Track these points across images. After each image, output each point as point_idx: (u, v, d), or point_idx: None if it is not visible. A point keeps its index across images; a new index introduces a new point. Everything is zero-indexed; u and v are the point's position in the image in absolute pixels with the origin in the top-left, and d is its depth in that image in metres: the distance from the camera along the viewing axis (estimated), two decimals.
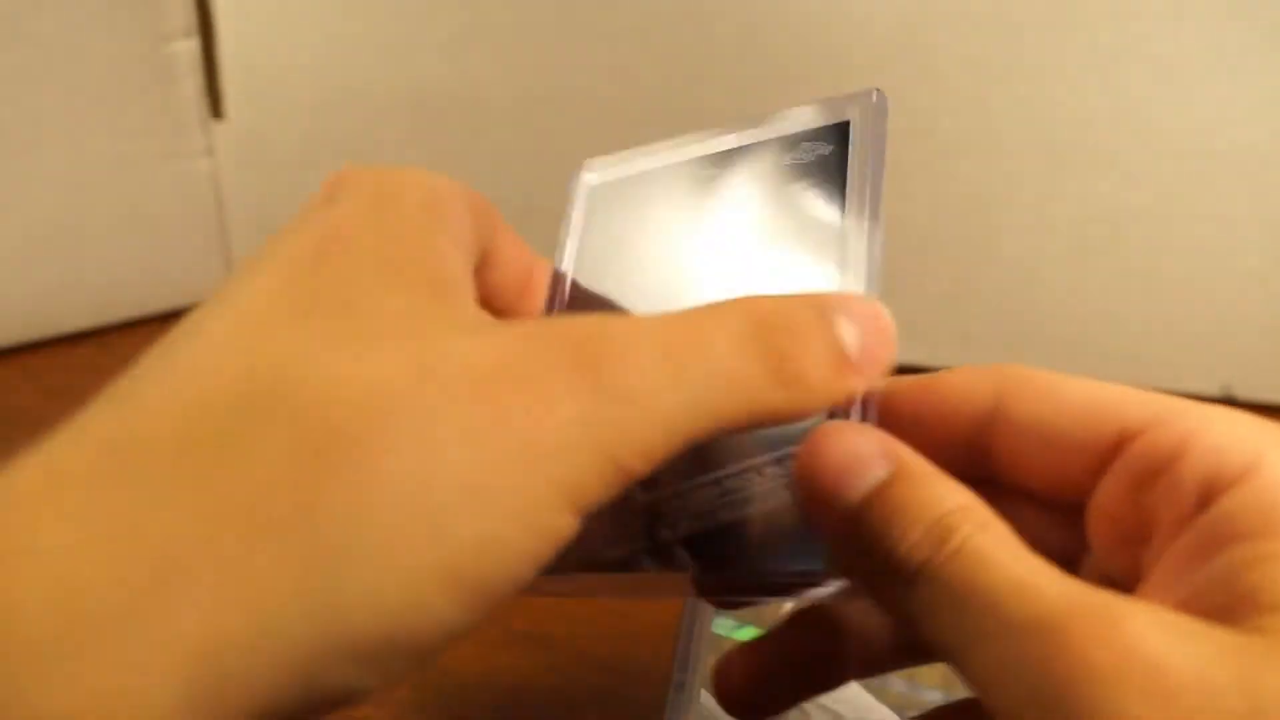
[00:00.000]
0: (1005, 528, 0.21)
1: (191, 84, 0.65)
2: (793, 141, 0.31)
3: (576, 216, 0.34)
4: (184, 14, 0.64)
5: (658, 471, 0.27)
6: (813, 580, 0.25)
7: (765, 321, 0.21)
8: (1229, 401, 0.59)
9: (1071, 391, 0.24)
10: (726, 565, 0.27)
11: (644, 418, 0.19)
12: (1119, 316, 0.59)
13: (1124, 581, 0.23)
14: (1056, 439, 0.23)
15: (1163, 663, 0.17)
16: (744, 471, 0.27)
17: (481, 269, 0.25)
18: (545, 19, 0.60)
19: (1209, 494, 0.20)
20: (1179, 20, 0.53)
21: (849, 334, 0.21)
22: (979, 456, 0.25)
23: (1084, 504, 0.24)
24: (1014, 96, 0.56)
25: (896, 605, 0.21)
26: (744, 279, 0.30)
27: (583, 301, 0.31)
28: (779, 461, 0.26)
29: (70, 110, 0.62)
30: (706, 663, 0.40)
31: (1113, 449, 0.23)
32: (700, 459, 0.27)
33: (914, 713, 0.37)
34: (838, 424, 0.23)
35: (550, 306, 0.31)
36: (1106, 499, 0.23)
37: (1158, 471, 0.22)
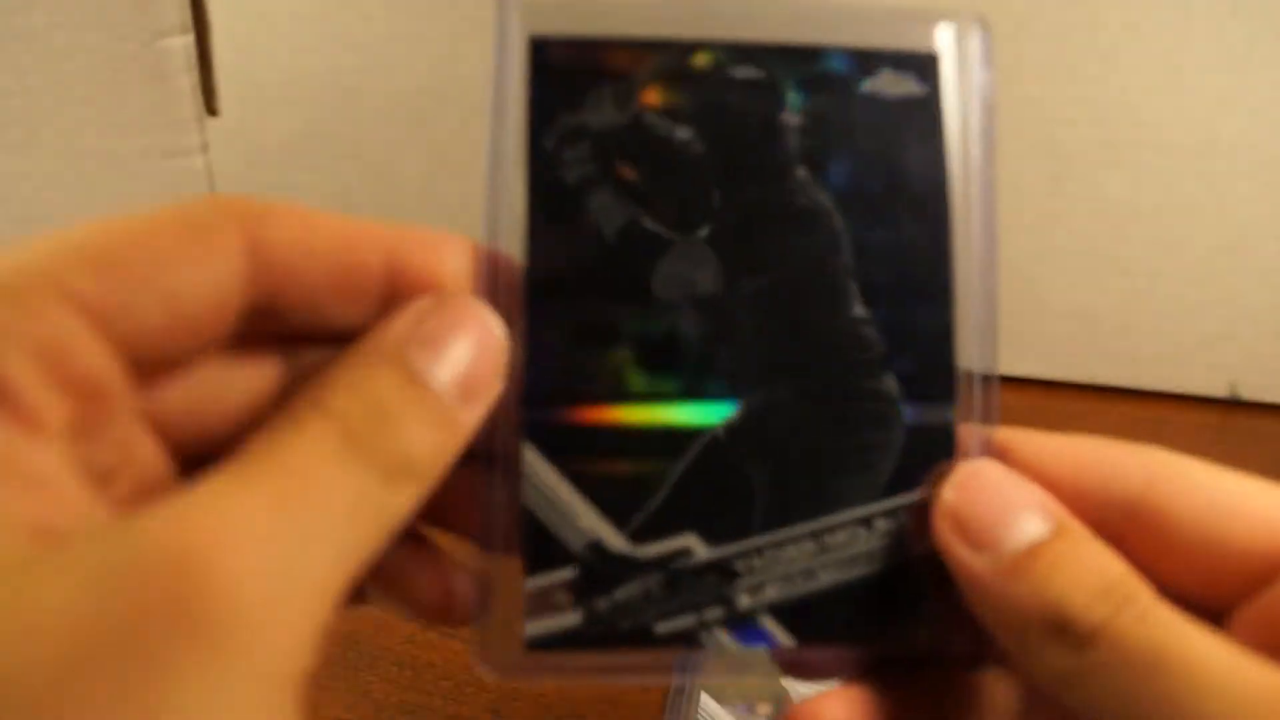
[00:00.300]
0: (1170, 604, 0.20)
1: (185, 81, 0.65)
2: (865, 60, 0.23)
3: (514, 99, 0.23)
4: (177, 10, 0.64)
5: (724, 520, 0.22)
6: (949, 658, 0.23)
7: (351, 427, 0.18)
8: (1235, 401, 0.59)
9: (1233, 491, 0.22)
10: (835, 639, 0.23)
11: (287, 618, 0.16)
12: (1123, 316, 0.59)
13: None
14: (1218, 542, 0.22)
15: None
16: (848, 524, 0.23)
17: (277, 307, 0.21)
18: None
19: None
20: (1184, 18, 0.53)
21: (444, 371, 0.19)
22: (1109, 540, 0.23)
23: (1220, 607, 0.23)
24: (1017, 94, 0.56)
25: (1051, 666, 0.20)
26: (806, 266, 0.23)
27: (545, 292, 0.22)
28: (890, 514, 0.23)
29: (63, 107, 0.61)
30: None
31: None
32: (787, 506, 0.23)
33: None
34: (986, 467, 0.22)
35: (489, 296, 0.22)
36: (1267, 605, 0.21)
37: None
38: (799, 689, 0.39)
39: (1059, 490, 0.23)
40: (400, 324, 0.20)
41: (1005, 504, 0.21)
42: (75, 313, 0.17)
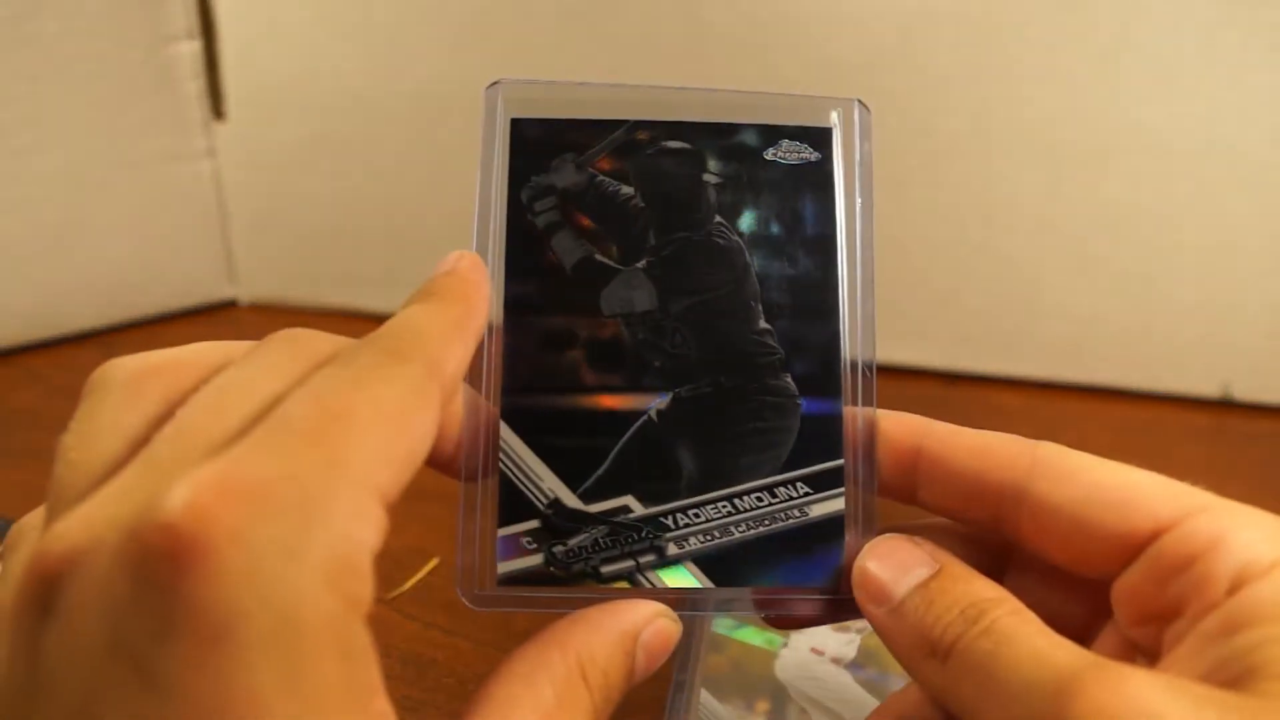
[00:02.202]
0: (1031, 613, 0.23)
1: (193, 86, 0.65)
2: (770, 133, 0.30)
3: (497, 164, 0.29)
4: (186, 16, 0.64)
5: (656, 485, 0.28)
6: (830, 598, 0.28)
7: (586, 671, 0.24)
8: (1228, 402, 0.60)
9: (1104, 480, 0.25)
10: (743, 582, 0.28)
11: None
12: (1118, 317, 0.59)
13: (1148, 650, 0.25)
14: (1086, 524, 0.25)
15: (1163, 714, 0.19)
16: (755, 491, 0.28)
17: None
18: (543, 21, 0.60)
19: (1238, 583, 0.22)
20: (1177, 22, 0.53)
21: (641, 652, 0.25)
22: (1002, 522, 0.27)
23: (1104, 580, 0.25)
24: (1013, 98, 0.56)
25: (931, 682, 0.24)
26: (732, 289, 0.29)
27: (519, 308, 0.28)
28: (789, 484, 0.28)
29: (73, 112, 0.62)
30: (706, 662, 0.40)
31: (1144, 539, 0.24)
32: (707, 475, 0.28)
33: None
34: (892, 538, 0.27)
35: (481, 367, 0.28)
36: (1135, 580, 0.25)
37: (1190, 560, 0.23)
38: (801, 690, 0.40)
39: (962, 477, 0.27)
40: (637, 613, 0.26)
41: (900, 564, 0.26)
42: (381, 506, 0.20)
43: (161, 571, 0.18)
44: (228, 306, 0.71)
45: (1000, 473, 0.26)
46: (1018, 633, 0.23)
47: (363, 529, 0.20)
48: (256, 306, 0.71)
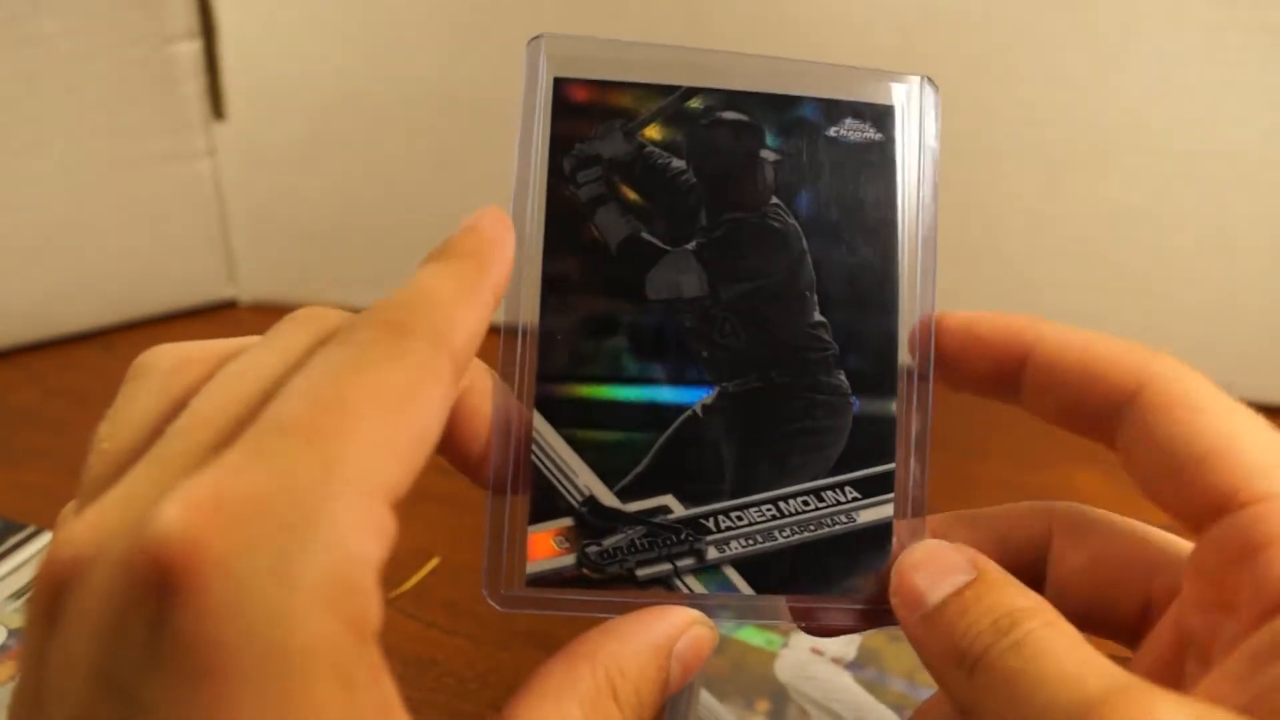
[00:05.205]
0: (1068, 625, 0.22)
1: (193, 85, 0.66)
2: (832, 109, 0.27)
3: (538, 129, 0.27)
4: (186, 16, 0.64)
5: (697, 484, 0.26)
6: (870, 608, 0.26)
7: (617, 687, 0.24)
8: None
9: (1215, 426, 0.24)
10: (785, 590, 0.26)
11: None
12: (1118, 317, 0.59)
13: (1202, 648, 0.23)
14: (1190, 461, 0.23)
15: None
16: (801, 495, 0.26)
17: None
18: (545, 19, 0.60)
19: None
20: (1177, 22, 0.53)
21: (675, 663, 0.25)
22: (1101, 433, 0.25)
23: (1195, 524, 0.24)
24: (1012, 98, 0.56)
25: (958, 694, 0.23)
26: (788, 278, 0.27)
27: (558, 289, 0.26)
28: (837, 488, 0.27)
29: (73, 112, 0.62)
30: (707, 662, 0.41)
31: (1226, 501, 0.23)
32: (751, 475, 0.27)
33: (913, 713, 0.38)
34: (932, 543, 0.26)
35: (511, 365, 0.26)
36: (1204, 554, 0.23)
37: (1259, 546, 0.22)
38: (801, 690, 0.40)
39: (1067, 379, 0.25)
40: (670, 622, 0.25)
41: (937, 569, 0.25)
42: (386, 507, 0.19)
43: (148, 603, 0.17)
44: (228, 306, 0.71)
45: (1111, 375, 0.25)
46: (1049, 649, 0.22)
47: (364, 541, 0.18)
48: (256, 306, 0.71)
